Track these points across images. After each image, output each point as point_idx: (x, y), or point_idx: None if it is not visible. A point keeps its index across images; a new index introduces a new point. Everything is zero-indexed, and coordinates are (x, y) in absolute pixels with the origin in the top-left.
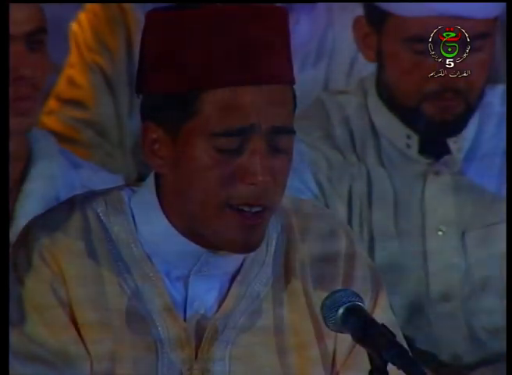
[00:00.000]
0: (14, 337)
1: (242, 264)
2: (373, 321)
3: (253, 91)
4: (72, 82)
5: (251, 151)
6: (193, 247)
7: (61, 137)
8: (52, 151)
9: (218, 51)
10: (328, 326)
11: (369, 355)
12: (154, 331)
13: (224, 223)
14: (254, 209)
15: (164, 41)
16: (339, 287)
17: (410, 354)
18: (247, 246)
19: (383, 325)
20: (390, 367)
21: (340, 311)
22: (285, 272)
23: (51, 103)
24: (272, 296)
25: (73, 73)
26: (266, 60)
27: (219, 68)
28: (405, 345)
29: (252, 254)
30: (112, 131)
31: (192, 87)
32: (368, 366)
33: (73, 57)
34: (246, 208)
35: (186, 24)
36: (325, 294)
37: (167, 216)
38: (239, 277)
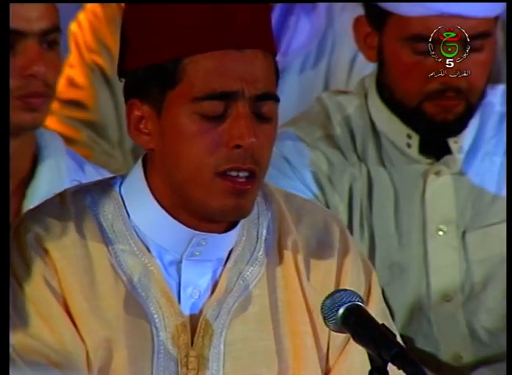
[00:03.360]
0: (10, 331)
1: (233, 249)
2: (373, 321)
3: (235, 57)
4: (72, 82)
5: (235, 116)
6: (184, 230)
7: (61, 138)
8: (59, 152)
9: (194, 17)
10: (328, 326)
11: (369, 355)
12: (150, 319)
13: (214, 190)
14: (242, 174)
15: (141, 18)
16: (333, 279)
17: (410, 354)
18: (238, 211)
19: (383, 325)
20: (390, 367)
21: (340, 311)
22: (278, 259)
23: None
24: (265, 282)
25: (73, 73)
26: (245, 24)
27: (197, 34)
28: (403, 344)
29: (243, 239)
30: (111, 131)
31: (172, 56)
32: (360, 362)
33: (73, 57)
34: (233, 173)
35: None
36: (318, 283)
37: (156, 199)
38: (230, 263)
